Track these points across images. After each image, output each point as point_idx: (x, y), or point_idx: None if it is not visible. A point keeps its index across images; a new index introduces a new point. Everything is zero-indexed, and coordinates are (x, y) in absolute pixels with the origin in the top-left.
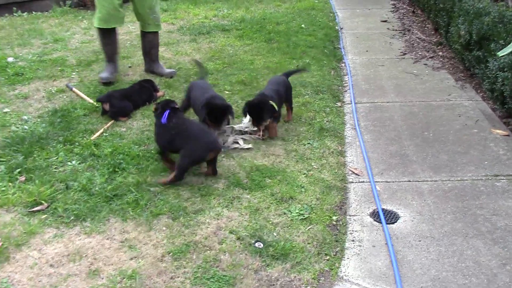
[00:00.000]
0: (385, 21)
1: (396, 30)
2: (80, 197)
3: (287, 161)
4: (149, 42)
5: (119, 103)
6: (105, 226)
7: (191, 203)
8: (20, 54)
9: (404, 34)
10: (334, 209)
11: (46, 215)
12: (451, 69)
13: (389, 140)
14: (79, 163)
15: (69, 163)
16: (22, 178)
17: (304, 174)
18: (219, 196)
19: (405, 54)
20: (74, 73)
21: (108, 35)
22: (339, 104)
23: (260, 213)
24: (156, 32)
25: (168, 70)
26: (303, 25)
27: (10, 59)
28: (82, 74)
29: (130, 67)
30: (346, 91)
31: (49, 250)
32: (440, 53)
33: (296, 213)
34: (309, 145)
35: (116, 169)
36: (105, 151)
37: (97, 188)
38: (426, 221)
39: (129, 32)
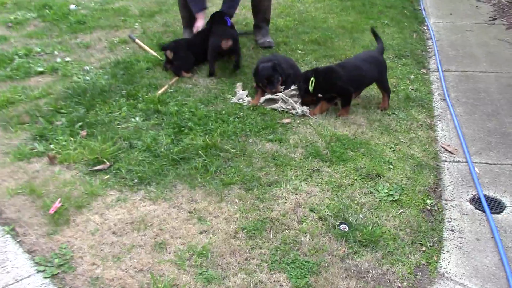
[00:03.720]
0: None
1: None
2: (144, 158)
3: (371, 132)
4: (254, 4)
5: (185, 53)
6: (171, 192)
7: (265, 173)
8: (82, 2)
9: None
10: (427, 192)
11: (108, 176)
12: None
13: (486, 115)
14: (143, 120)
15: (132, 119)
16: (84, 133)
17: (391, 148)
18: (296, 168)
19: (495, 19)
20: (136, 24)
21: None
22: (424, 71)
23: (344, 190)
24: None
25: (267, 40)
26: None
27: (73, 7)
28: (145, 25)
29: None
30: (430, 57)
31: (111, 216)
32: None
33: (385, 193)
34: (394, 115)
35: (182, 129)
36: (171, 109)
37: (162, 149)
38: None
39: None
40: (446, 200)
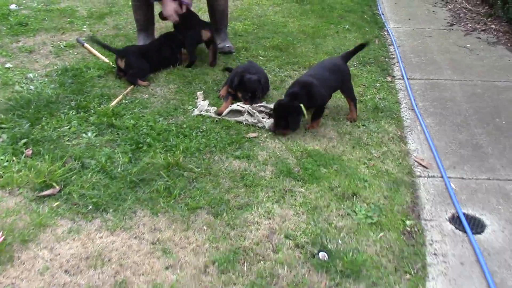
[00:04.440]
0: None
1: None
2: (99, 180)
3: (342, 146)
4: (211, 2)
5: (137, 61)
6: (131, 220)
7: (234, 195)
8: (24, 1)
9: (447, 2)
10: (406, 211)
11: (58, 202)
12: (509, 44)
13: (456, 126)
14: (96, 136)
15: (83, 134)
16: (29, 152)
17: (364, 163)
18: (267, 188)
19: (453, 25)
20: (85, 26)
21: None
22: (389, 78)
23: (320, 213)
24: None
25: (226, 44)
26: None
27: (13, 6)
28: (94, 28)
29: None
30: (394, 64)
31: (63, 250)
32: (493, 26)
33: (363, 214)
34: (364, 127)
35: (140, 146)
36: (126, 122)
37: (119, 170)
38: None
39: None
40: (425, 220)
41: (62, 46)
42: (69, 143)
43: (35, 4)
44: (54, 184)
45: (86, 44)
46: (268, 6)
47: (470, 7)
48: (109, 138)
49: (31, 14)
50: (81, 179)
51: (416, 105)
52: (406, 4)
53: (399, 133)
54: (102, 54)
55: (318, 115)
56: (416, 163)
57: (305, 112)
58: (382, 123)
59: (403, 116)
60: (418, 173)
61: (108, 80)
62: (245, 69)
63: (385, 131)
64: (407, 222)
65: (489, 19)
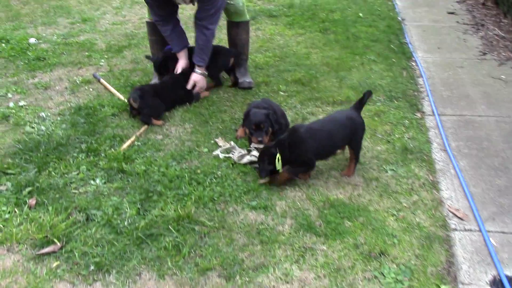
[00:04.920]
0: (452, 13)
1: (467, 24)
2: (103, 235)
3: (368, 195)
4: (232, 36)
5: (151, 100)
6: (135, 284)
7: (249, 253)
8: (44, 35)
9: (478, 29)
10: (440, 274)
11: (58, 262)
12: None
13: (493, 170)
14: (104, 183)
15: (92, 181)
16: (33, 202)
17: (393, 215)
18: (285, 245)
19: (485, 53)
20: (102, 60)
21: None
22: (418, 115)
23: (343, 276)
24: (241, 23)
25: (246, 80)
26: (360, 14)
27: (32, 40)
28: (111, 62)
29: None
30: (423, 98)
31: None
32: None
33: (392, 277)
34: (392, 171)
35: (150, 195)
36: (137, 168)
37: (126, 223)
38: None
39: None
40: (462, 284)
41: (78, 81)
42: (76, 191)
43: (55, 37)
44: (56, 240)
45: (102, 80)
46: (291, 35)
47: (503, 34)
48: (118, 186)
49: (49, 48)
50: (84, 234)
51: (448, 146)
52: (435, 32)
53: (431, 178)
54: (118, 91)
55: (303, 171)
56: (450, 214)
57: (278, 164)
58: (412, 167)
59: (434, 158)
60: (453, 226)
61: (122, 119)
62: (256, 105)
63: (415, 176)
64: (443, 287)
65: None
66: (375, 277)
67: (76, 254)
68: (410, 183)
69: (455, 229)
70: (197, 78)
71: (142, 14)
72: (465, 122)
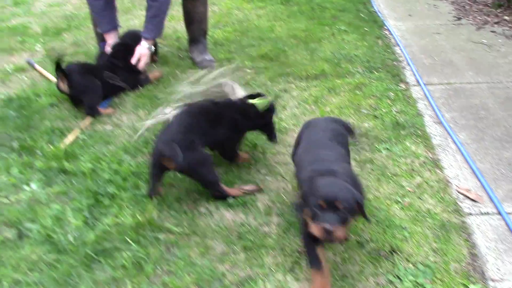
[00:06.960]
0: None
1: None
2: (41, 256)
3: (364, 180)
4: (187, 9)
5: (91, 82)
6: None
7: (231, 264)
8: None
9: None
10: (465, 270)
11: None
12: None
13: (498, 141)
14: (42, 187)
15: (26, 187)
16: None
17: (397, 203)
18: (274, 250)
19: (460, 18)
20: (38, 45)
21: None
22: (403, 86)
23: (352, 284)
24: None
25: (206, 57)
26: None
27: None
28: (49, 46)
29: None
30: (404, 67)
31: None
32: (506, 18)
33: (411, 281)
34: (387, 151)
35: (100, 199)
36: (83, 167)
37: (70, 238)
38: None
39: None
40: (493, 281)
41: (9, 70)
42: (5, 200)
43: None
44: None
45: (37, 66)
46: (250, 9)
47: None
48: (59, 190)
49: None
50: (16, 256)
51: (443, 117)
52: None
53: (431, 155)
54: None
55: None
56: (461, 196)
57: None
58: (407, 144)
59: (430, 133)
60: (467, 210)
61: (62, 109)
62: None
63: (413, 155)
64: (471, 287)
65: (499, 10)
66: (390, 282)
67: (6, 285)
68: (410, 163)
69: (470, 214)
70: (144, 51)
71: None
72: (455, 91)
